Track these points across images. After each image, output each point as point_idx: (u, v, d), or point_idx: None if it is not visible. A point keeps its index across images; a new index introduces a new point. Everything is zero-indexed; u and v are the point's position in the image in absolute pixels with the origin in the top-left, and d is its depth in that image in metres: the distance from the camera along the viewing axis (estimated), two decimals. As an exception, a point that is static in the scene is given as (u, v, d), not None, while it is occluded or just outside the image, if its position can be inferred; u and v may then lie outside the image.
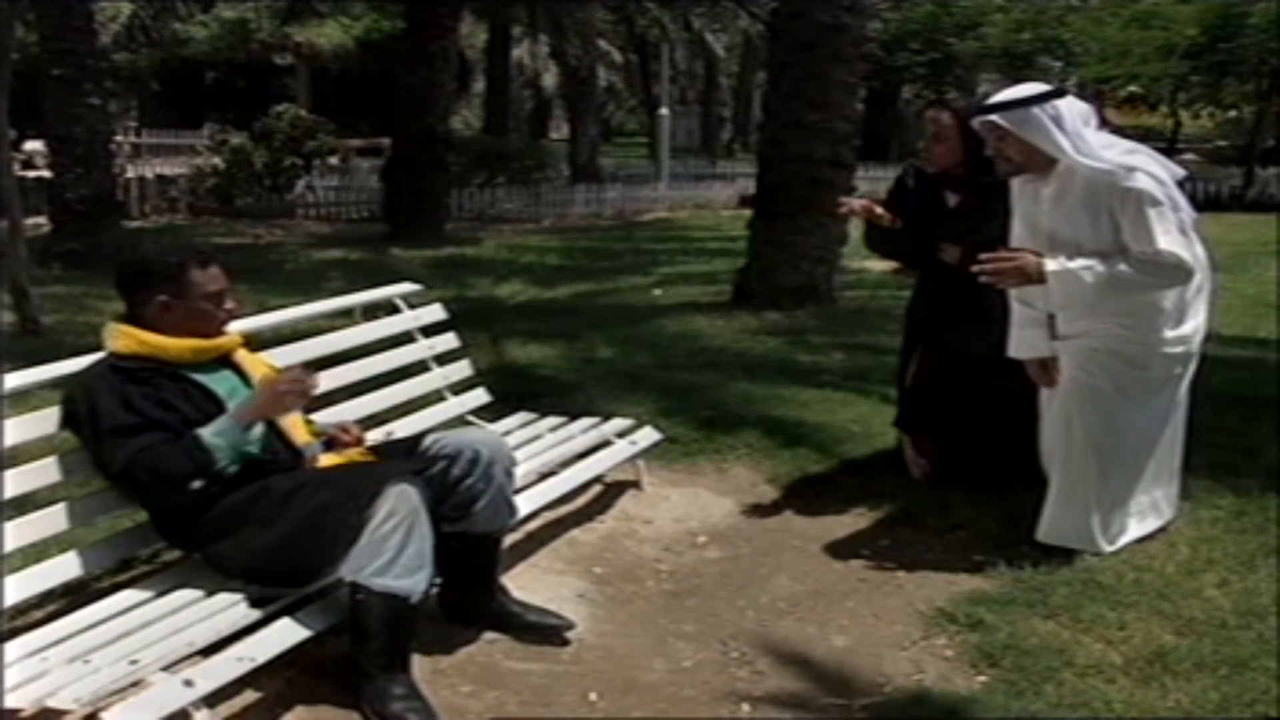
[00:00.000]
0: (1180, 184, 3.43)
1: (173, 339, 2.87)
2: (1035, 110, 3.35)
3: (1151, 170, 3.32)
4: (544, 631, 3.11)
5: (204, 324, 2.93)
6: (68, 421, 2.85)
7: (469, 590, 3.10)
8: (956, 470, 4.21)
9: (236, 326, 3.12)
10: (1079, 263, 3.31)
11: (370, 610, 2.68)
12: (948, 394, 4.17)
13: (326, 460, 3.03)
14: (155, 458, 2.70)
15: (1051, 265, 3.33)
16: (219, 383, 2.93)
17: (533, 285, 9.84)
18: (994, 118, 3.41)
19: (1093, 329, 3.47)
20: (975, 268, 3.39)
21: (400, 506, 2.68)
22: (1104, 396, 3.49)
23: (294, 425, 3.03)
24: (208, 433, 2.74)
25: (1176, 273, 3.29)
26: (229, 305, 2.98)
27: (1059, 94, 3.43)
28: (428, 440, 3.06)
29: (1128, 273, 3.27)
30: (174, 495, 2.76)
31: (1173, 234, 3.26)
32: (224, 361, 3.00)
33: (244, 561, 2.78)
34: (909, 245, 4.27)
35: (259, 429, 2.86)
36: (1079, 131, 3.35)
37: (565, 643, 3.10)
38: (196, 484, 2.73)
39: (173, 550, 3.22)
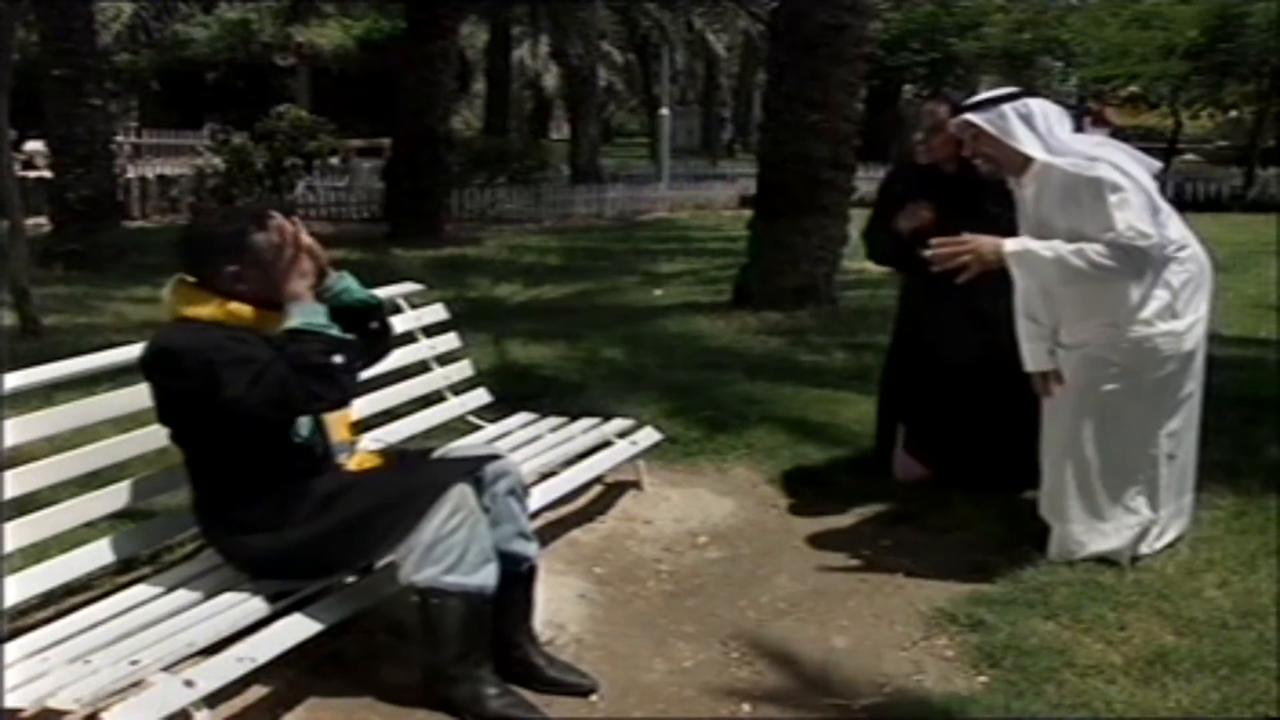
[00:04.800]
0: (1156, 177, 3.45)
1: (264, 311, 2.74)
2: (1006, 108, 3.43)
3: (1115, 160, 3.34)
4: (565, 689, 2.91)
5: (285, 282, 2.72)
6: (164, 376, 2.70)
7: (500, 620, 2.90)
8: (951, 475, 4.21)
9: None
10: (1040, 244, 3.32)
11: (448, 612, 2.67)
12: (936, 400, 4.17)
13: (355, 463, 2.99)
14: (289, 358, 2.58)
15: (1011, 246, 3.34)
16: None
17: (533, 285, 9.85)
18: (968, 116, 3.50)
19: (1090, 339, 3.45)
20: (926, 253, 3.39)
21: (462, 505, 2.69)
22: (1104, 403, 3.45)
23: (335, 421, 2.96)
24: (293, 321, 2.64)
25: (1134, 255, 3.25)
26: (307, 268, 2.77)
27: (1030, 93, 3.53)
28: (435, 455, 3.05)
29: (1087, 254, 3.25)
30: (326, 381, 2.61)
31: (1131, 219, 3.23)
32: None
33: (272, 557, 2.75)
34: (899, 248, 4.21)
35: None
36: (1049, 129, 3.42)
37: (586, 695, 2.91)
38: (338, 358, 2.61)
39: (173, 550, 3.23)
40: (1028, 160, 3.43)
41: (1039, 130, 3.41)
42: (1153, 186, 3.39)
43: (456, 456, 3.01)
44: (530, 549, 2.94)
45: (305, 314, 2.68)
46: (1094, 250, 3.24)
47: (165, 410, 2.78)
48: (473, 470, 2.84)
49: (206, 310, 2.74)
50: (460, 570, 2.67)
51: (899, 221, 4.09)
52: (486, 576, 2.71)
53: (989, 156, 3.51)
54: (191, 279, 2.80)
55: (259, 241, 2.75)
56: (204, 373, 2.60)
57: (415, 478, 2.82)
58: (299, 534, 2.73)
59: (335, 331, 2.69)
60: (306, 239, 2.82)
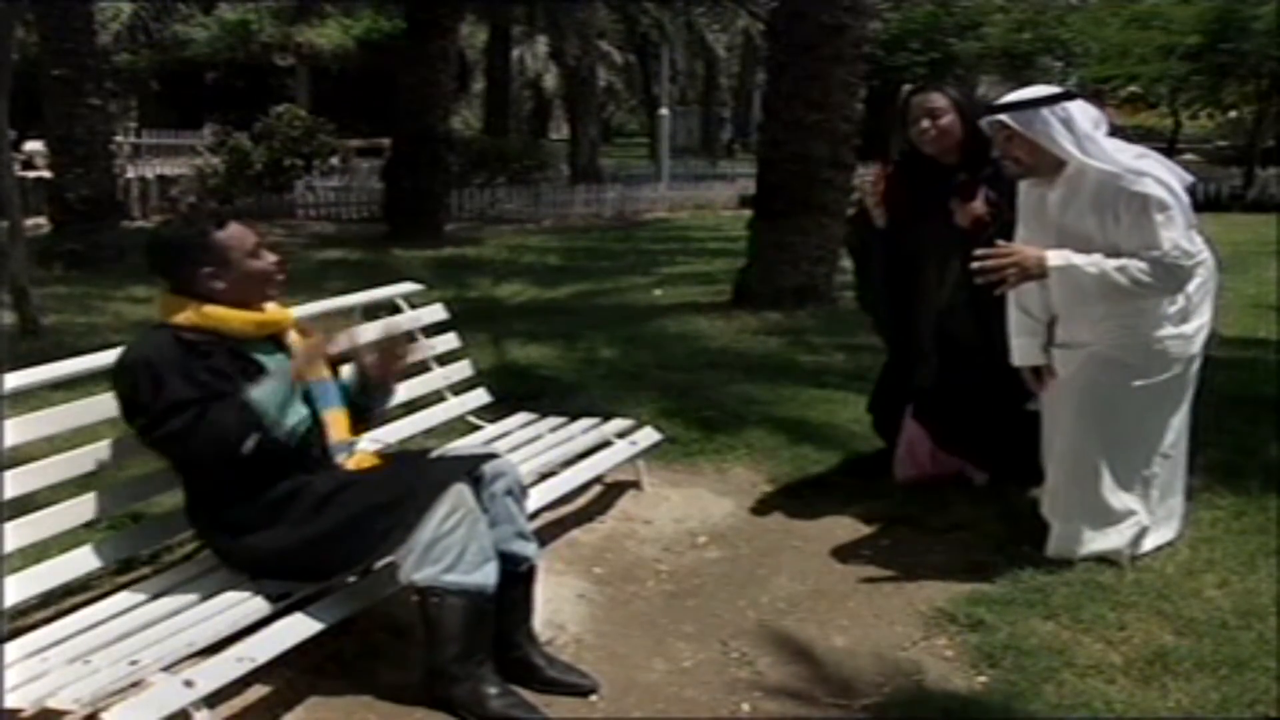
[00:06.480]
0: (1188, 189, 3.39)
1: (236, 312, 2.82)
2: (1045, 112, 3.32)
3: (1160, 176, 3.29)
4: (565, 689, 2.91)
5: (259, 283, 2.87)
6: (122, 385, 2.78)
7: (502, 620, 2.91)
8: (954, 443, 4.19)
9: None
10: (1083, 258, 3.29)
11: (448, 611, 2.68)
12: (952, 381, 4.15)
13: (354, 463, 3.00)
14: (210, 424, 2.65)
15: (1055, 259, 3.30)
16: (275, 365, 2.87)
17: (533, 285, 9.85)
18: (1003, 118, 3.37)
19: (1096, 339, 3.44)
20: (974, 265, 3.35)
21: (460, 505, 2.70)
22: (1110, 403, 3.45)
23: (335, 421, 2.99)
24: (254, 392, 2.71)
25: (1178, 274, 3.27)
26: (271, 258, 2.91)
27: (1069, 96, 3.41)
28: (433, 455, 3.05)
29: (1131, 271, 3.24)
30: (229, 456, 2.67)
31: (1176, 238, 3.23)
32: (278, 344, 2.94)
33: (269, 556, 2.76)
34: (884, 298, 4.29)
35: (302, 411, 2.86)
36: (1090, 135, 3.33)
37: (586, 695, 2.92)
38: (250, 443, 2.67)
39: (173, 551, 3.23)
40: (1060, 163, 3.34)
41: (1079, 135, 3.31)
42: (1188, 200, 3.35)
43: (454, 456, 3.01)
44: (529, 549, 2.94)
45: (269, 389, 2.74)
46: (1137, 268, 3.23)
47: (127, 417, 2.81)
48: (470, 469, 2.85)
49: (184, 316, 2.80)
50: (459, 569, 2.67)
51: (956, 217, 3.98)
52: (486, 575, 2.72)
53: (1020, 160, 3.40)
54: (169, 287, 2.85)
55: (222, 239, 2.82)
56: (153, 407, 2.69)
57: (413, 478, 2.82)
58: (296, 534, 2.73)
59: (277, 414, 2.74)
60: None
